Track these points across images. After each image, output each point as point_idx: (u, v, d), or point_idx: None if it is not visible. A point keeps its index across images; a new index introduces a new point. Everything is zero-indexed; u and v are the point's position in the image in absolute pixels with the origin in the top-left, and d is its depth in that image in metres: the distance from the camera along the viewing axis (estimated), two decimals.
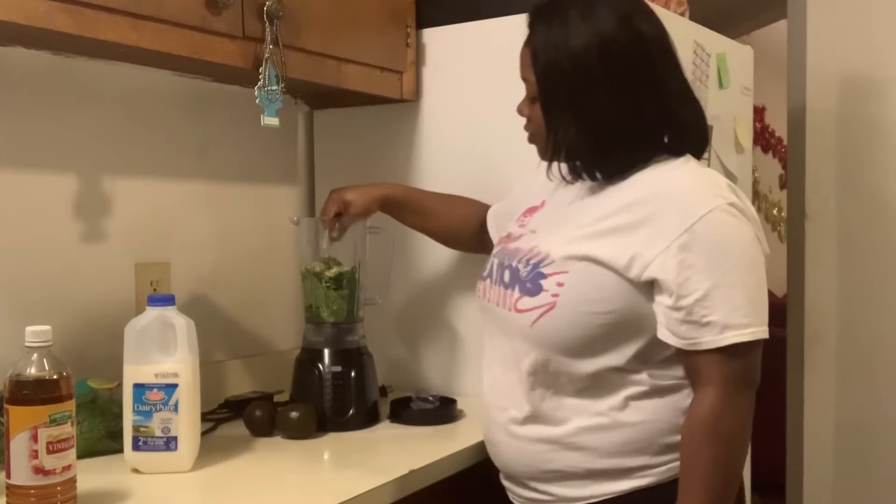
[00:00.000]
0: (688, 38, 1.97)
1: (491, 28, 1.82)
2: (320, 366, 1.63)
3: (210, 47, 1.43)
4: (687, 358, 1.19)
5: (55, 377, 1.11)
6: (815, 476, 2.78)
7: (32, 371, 1.11)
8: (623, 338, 1.22)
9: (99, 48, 1.41)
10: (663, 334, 1.19)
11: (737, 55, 2.21)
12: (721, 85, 2.11)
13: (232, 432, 1.58)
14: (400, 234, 1.81)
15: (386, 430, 1.63)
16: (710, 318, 1.15)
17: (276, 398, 1.72)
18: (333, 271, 1.66)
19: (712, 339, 1.15)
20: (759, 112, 5.02)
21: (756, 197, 5.28)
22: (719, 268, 1.15)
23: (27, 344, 1.12)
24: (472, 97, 1.85)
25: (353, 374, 1.64)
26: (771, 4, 3.39)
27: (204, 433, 1.48)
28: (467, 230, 1.71)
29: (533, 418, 1.28)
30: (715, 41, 2.09)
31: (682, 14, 2.03)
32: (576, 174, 1.30)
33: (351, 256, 1.71)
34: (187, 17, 1.38)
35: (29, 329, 1.12)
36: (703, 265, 1.15)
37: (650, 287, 1.19)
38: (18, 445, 1.09)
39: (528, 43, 1.29)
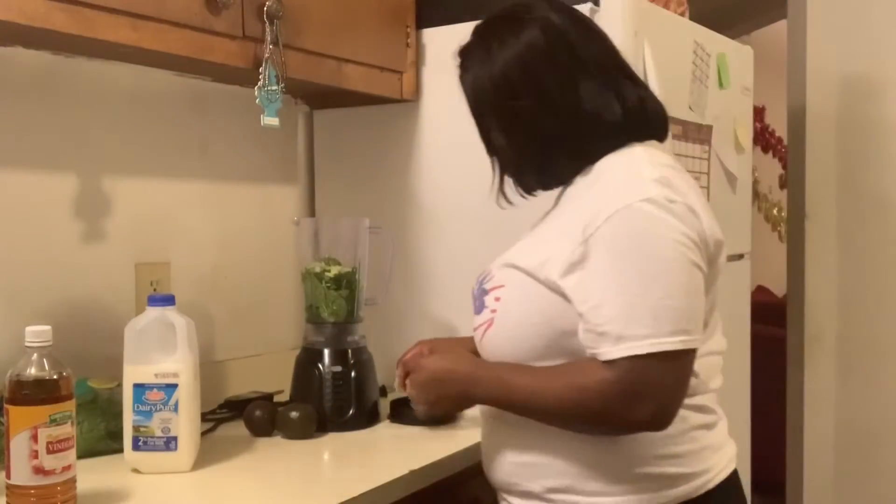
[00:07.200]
0: (688, 38, 1.97)
1: None
2: (320, 366, 1.63)
3: (210, 47, 1.43)
4: None
5: (55, 377, 1.11)
6: (815, 476, 2.78)
7: (32, 371, 1.11)
8: (569, 349, 1.15)
9: (99, 48, 1.41)
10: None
11: (737, 55, 2.21)
12: (721, 85, 2.11)
13: (232, 432, 1.58)
14: (400, 234, 1.81)
15: (386, 430, 1.63)
16: (604, 328, 1.08)
17: (276, 398, 1.72)
18: (333, 271, 1.66)
19: (608, 350, 1.08)
20: (759, 112, 5.02)
21: (756, 197, 5.29)
22: (618, 273, 1.09)
23: (27, 344, 1.12)
24: None
25: (353, 374, 1.64)
26: (771, 4, 3.39)
27: (204, 433, 1.48)
28: None
29: (496, 433, 1.27)
30: (715, 41, 2.09)
31: (682, 14, 2.03)
32: (526, 189, 1.30)
33: (351, 256, 1.71)
34: (187, 17, 1.38)
35: (29, 329, 1.12)
36: (602, 270, 1.10)
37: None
38: (18, 445, 1.09)
39: (460, 81, 1.30)
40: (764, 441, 2.43)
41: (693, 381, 1.15)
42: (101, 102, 1.63)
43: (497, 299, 1.20)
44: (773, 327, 2.98)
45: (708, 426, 1.21)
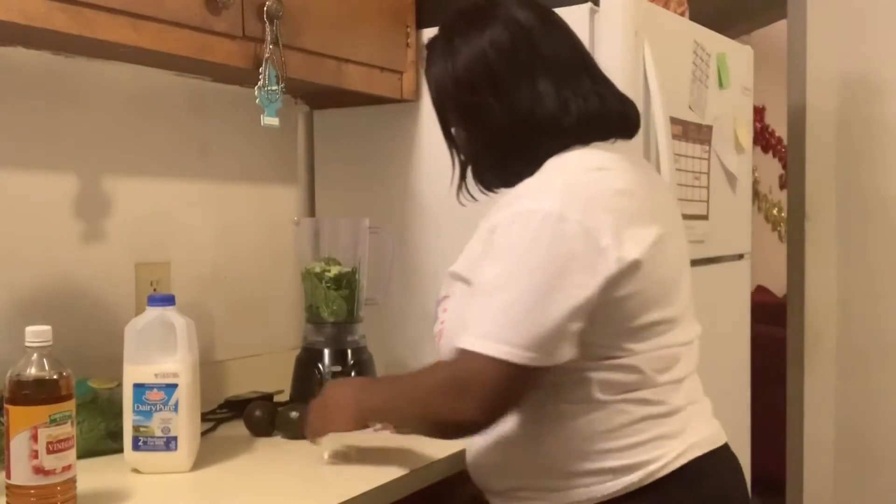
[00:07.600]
0: (688, 38, 1.97)
1: None
2: (320, 366, 1.63)
3: (210, 47, 1.43)
4: None
5: (55, 377, 1.11)
6: (815, 476, 2.78)
7: (32, 371, 1.11)
8: None
9: (99, 48, 1.41)
10: None
11: (737, 55, 2.21)
12: (721, 85, 2.11)
13: (232, 432, 1.58)
14: (399, 234, 1.81)
15: (386, 430, 1.63)
16: (465, 320, 1.14)
17: (276, 398, 1.72)
18: (333, 271, 1.66)
19: (461, 340, 1.13)
20: (759, 112, 5.02)
21: (756, 197, 5.29)
22: (489, 272, 1.13)
23: (27, 344, 1.12)
24: None
25: (353, 374, 1.64)
26: (771, 4, 3.40)
27: (204, 433, 1.48)
28: None
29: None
30: (715, 41, 2.09)
31: (682, 14, 2.03)
32: (485, 185, 1.32)
33: (351, 256, 1.71)
34: (187, 17, 1.38)
35: (29, 329, 1.12)
36: (482, 269, 1.14)
37: None
38: (18, 445, 1.09)
39: (424, 74, 1.32)
40: (764, 441, 2.43)
41: (635, 377, 1.16)
42: (101, 102, 1.63)
43: (444, 310, 1.23)
44: (773, 327, 2.98)
45: (656, 416, 1.19)
